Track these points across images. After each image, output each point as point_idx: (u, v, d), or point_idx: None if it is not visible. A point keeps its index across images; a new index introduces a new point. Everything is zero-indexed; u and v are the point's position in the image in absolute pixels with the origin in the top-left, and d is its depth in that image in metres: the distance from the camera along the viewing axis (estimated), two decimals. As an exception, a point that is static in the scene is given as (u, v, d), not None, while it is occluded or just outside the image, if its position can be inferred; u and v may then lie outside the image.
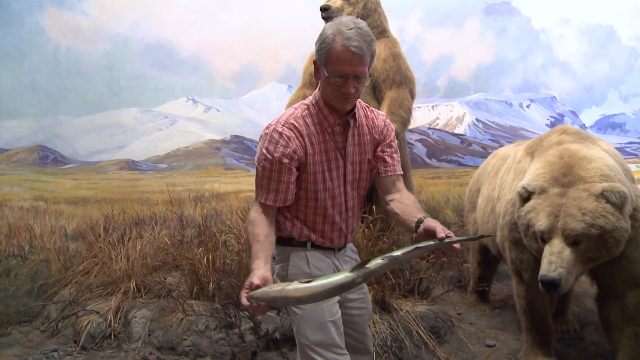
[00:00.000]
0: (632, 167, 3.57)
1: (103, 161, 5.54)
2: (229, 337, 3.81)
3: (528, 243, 3.33)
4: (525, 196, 3.24)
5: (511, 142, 5.86)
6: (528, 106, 7.17)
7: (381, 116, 2.46)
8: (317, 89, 2.31)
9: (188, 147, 5.74)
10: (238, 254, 4.19)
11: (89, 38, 5.42)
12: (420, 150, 6.49)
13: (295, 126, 2.27)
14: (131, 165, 5.59)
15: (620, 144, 6.99)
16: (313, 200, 2.32)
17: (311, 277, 2.27)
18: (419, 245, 1.90)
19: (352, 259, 2.53)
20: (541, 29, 6.98)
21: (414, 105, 5.00)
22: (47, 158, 5.42)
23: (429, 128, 6.64)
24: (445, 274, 5.05)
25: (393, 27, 5.26)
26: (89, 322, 4.09)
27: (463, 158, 6.50)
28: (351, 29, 2.11)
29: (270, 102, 5.65)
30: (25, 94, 5.20)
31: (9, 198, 5.18)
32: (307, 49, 5.08)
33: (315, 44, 2.20)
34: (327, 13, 4.81)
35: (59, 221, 5.28)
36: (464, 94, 6.77)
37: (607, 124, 7.42)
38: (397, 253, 1.82)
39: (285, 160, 2.23)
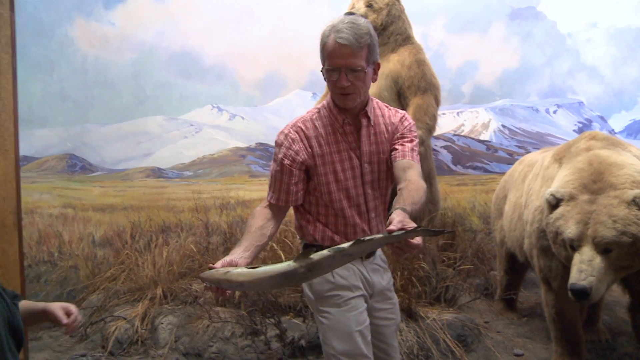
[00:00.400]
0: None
1: (129, 169, 5.61)
2: (255, 345, 3.82)
3: (557, 251, 3.28)
4: (554, 203, 3.20)
5: (538, 149, 5.79)
6: (555, 112, 7.07)
7: (399, 114, 2.42)
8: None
9: (213, 154, 5.78)
10: (264, 261, 4.20)
11: (116, 48, 5.50)
12: (446, 156, 6.44)
13: (301, 129, 2.31)
14: (157, 172, 5.64)
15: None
16: (329, 201, 2.31)
17: (335, 287, 2.28)
18: (365, 238, 1.68)
19: (382, 268, 2.47)
20: (567, 33, 6.88)
21: (439, 112, 4.96)
22: (76, 166, 5.50)
23: (454, 135, 6.59)
24: (471, 281, 5.00)
25: (417, 33, 5.24)
26: (116, 327, 4.14)
27: (489, 164, 6.43)
28: (345, 23, 2.13)
29: (294, 109, 5.66)
30: (55, 103, 5.29)
31: (39, 205, 5.26)
32: (330, 56, 5.07)
33: None
34: (351, 20, 4.80)
35: (87, 228, 5.35)
36: (489, 100, 6.70)
37: (638, 129, 7.28)
38: (344, 246, 1.66)
39: (287, 162, 2.29)
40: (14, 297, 1.93)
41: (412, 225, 1.76)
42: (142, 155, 5.65)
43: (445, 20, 6.34)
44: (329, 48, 2.14)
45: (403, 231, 1.69)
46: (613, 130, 7.13)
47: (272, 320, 3.86)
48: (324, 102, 2.36)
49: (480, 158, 6.51)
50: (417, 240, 1.77)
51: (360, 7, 4.92)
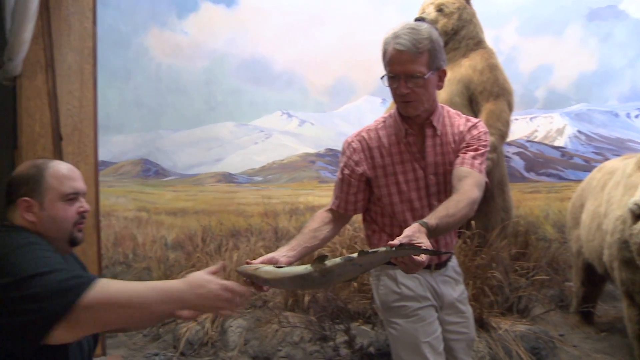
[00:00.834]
0: None
1: (201, 174, 5.74)
2: (324, 350, 3.82)
3: (642, 263, 3.13)
4: (638, 213, 3.05)
5: (617, 155, 5.53)
6: (637, 116, 6.73)
7: (469, 122, 2.29)
8: None
9: (283, 160, 5.84)
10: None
11: (188, 55, 5.64)
12: (518, 163, 6.26)
13: (364, 138, 2.29)
14: (228, 177, 5.75)
15: None
16: (391, 212, 2.28)
17: (401, 297, 2.26)
18: (369, 250, 1.65)
19: (454, 280, 2.40)
20: (653, 33, 6.53)
21: (511, 118, 4.85)
22: (150, 171, 5.66)
23: (527, 141, 6.40)
24: (545, 292, 4.83)
25: (488, 37, 5.13)
26: (187, 329, 4.23)
27: (563, 171, 6.21)
28: (406, 29, 2.08)
29: (363, 115, 5.66)
30: (130, 110, 5.47)
31: (115, 208, 5.45)
32: (400, 62, 5.04)
33: None
34: (421, 25, 4.77)
35: (160, 231, 5.50)
36: (564, 105, 6.47)
37: None
38: (353, 255, 1.65)
39: (346, 172, 2.29)
40: None
41: (419, 241, 1.70)
42: (213, 161, 5.77)
43: (518, 23, 6.17)
44: (389, 55, 2.09)
45: (405, 246, 1.66)
46: (699, 135, 6.72)
47: (342, 326, 3.86)
48: (392, 110, 2.32)
49: (555, 165, 6.29)
50: (422, 258, 1.68)
51: (431, 11, 4.87)
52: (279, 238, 5.16)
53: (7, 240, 1.64)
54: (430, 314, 2.27)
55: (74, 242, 1.86)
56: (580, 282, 4.65)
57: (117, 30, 5.35)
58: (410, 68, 2.06)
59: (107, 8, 5.16)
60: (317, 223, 2.29)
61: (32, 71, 3.19)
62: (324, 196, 5.64)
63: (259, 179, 5.78)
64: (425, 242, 1.71)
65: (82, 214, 1.86)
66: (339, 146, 2.40)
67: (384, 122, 2.31)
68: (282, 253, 2.10)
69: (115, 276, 5.25)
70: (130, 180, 5.60)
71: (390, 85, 2.14)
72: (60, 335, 1.42)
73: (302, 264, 1.78)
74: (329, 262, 1.67)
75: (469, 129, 2.26)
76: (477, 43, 4.97)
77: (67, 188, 1.81)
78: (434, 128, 2.23)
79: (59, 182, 1.80)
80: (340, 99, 5.84)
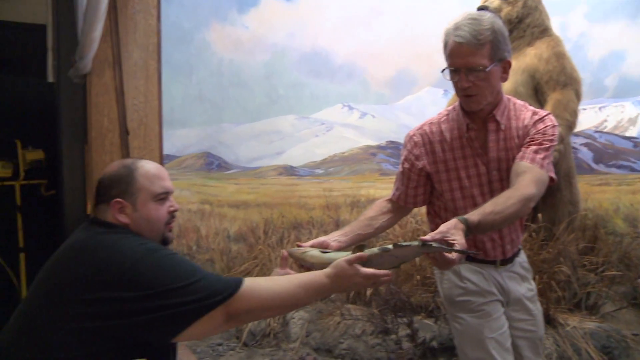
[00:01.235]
0: None
1: (262, 167, 5.79)
2: (386, 343, 3.82)
3: None
4: None
5: (696, 146, 5.27)
6: None
7: (536, 116, 2.17)
8: None
9: (344, 152, 5.83)
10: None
11: (249, 50, 5.68)
12: (586, 154, 6.03)
13: (426, 132, 2.25)
14: (289, 170, 5.79)
15: None
16: (453, 208, 2.22)
17: (465, 292, 2.24)
18: (403, 243, 1.64)
19: (520, 276, 2.33)
20: None
21: (579, 107, 4.69)
22: (212, 164, 5.76)
23: (596, 131, 6.15)
24: (616, 289, 4.65)
25: (555, 24, 4.96)
26: (250, 320, 4.31)
27: (636, 163, 5.94)
28: (467, 19, 2.00)
29: (425, 107, 5.58)
30: (193, 105, 5.57)
31: (179, 201, 5.51)
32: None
33: None
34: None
35: (222, 223, 5.59)
36: (637, 93, 6.17)
37: None
38: (389, 246, 1.64)
39: (406, 165, 2.27)
40: None
41: (453, 238, 1.66)
42: (275, 154, 5.81)
43: (587, 9, 5.93)
44: (449, 47, 2.03)
45: (431, 244, 1.64)
46: None
47: (404, 320, 3.85)
48: (456, 103, 2.25)
49: (626, 156, 6.03)
50: (453, 256, 1.64)
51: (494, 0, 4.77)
52: (340, 230, 5.16)
53: (133, 243, 1.62)
54: (497, 309, 2.22)
55: (165, 242, 1.85)
56: (655, 279, 4.48)
57: (180, 26, 5.45)
58: (471, 61, 1.99)
59: (170, 5, 5.26)
60: (375, 212, 2.29)
61: (101, 68, 3.31)
62: (385, 189, 5.59)
63: (320, 171, 5.80)
64: (458, 239, 1.67)
65: (172, 213, 1.86)
66: (400, 138, 2.39)
67: (447, 115, 2.26)
68: (334, 237, 2.10)
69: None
70: (193, 174, 5.71)
71: (451, 78, 2.08)
72: (194, 331, 1.50)
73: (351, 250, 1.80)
74: (366, 251, 1.69)
75: (535, 123, 2.15)
76: (543, 31, 4.84)
77: (158, 188, 1.79)
78: (497, 122, 2.14)
79: (150, 182, 1.78)
80: (401, 91, 5.78)
